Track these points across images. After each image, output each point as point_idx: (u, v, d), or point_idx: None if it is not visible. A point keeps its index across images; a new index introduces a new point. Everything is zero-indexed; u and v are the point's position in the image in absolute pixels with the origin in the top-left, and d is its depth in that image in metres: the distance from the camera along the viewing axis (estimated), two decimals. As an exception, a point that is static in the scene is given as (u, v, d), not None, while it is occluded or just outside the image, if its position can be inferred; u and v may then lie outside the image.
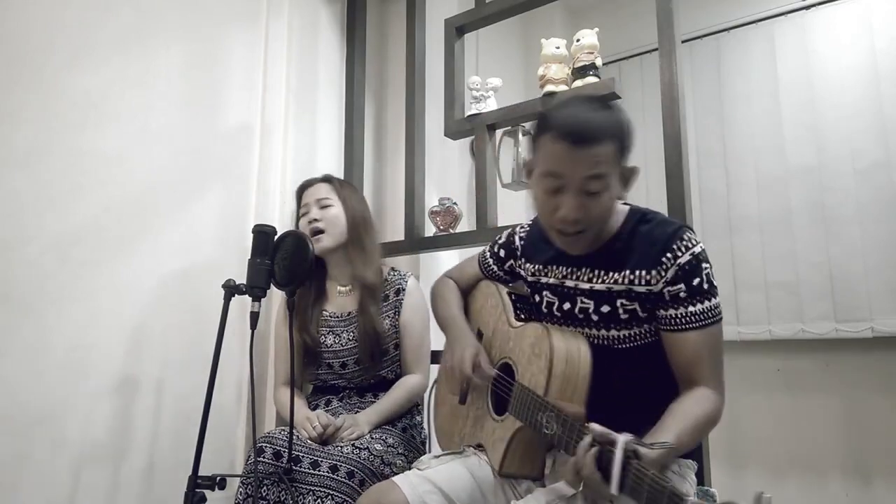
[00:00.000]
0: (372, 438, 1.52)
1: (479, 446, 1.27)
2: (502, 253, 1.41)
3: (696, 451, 1.25)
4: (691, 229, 1.17)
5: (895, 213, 2.50)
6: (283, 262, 1.40)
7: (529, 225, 1.39)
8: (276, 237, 1.43)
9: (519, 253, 1.37)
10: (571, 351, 1.14)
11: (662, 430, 0.98)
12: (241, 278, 1.40)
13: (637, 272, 1.14)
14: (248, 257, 1.41)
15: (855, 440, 2.54)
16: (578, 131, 1.05)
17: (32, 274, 1.43)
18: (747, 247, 2.80)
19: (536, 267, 1.30)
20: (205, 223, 1.82)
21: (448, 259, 2.39)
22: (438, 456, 1.31)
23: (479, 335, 1.41)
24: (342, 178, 2.10)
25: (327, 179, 1.85)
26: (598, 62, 1.76)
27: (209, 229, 1.83)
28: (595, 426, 0.94)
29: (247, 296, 1.39)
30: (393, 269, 1.81)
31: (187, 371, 1.70)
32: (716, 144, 2.94)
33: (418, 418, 1.76)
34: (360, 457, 1.43)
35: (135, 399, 1.60)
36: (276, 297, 1.88)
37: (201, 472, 1.29)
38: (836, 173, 2.63)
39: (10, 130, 1.42)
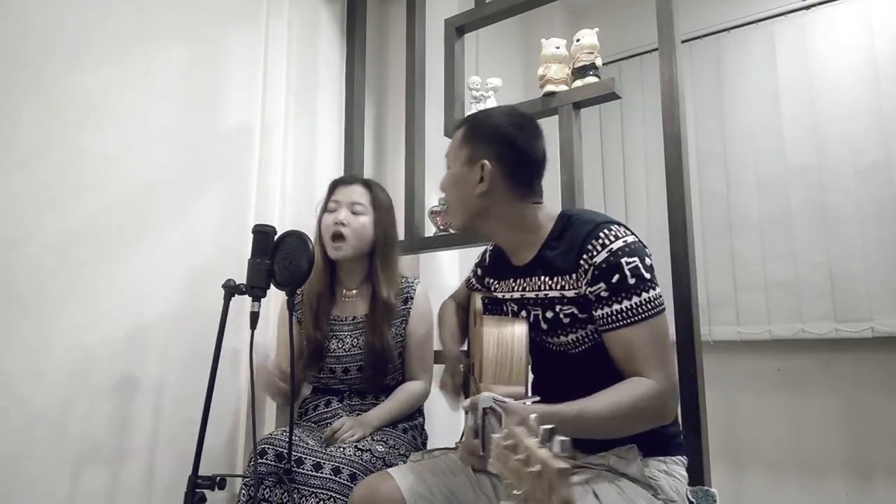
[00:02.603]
0: (374, 440, 1.52)
1: None
2: (479, 272, 1.47)
3: (687, 447, 1.24)
4: (613, 224, 1.15)
5: (895, 213, 2.50)
6: (284, 262, 1.39)
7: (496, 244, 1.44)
8: (276, 237, 1.43)
9: (488, 271, 1.42)
10: (503, 334, 1.15)
11: (569, 402, 0.99)
12: (241, 278, 1.40)
13: (564, 277, 1.16)
14: (248, 257, 1.41)
15: (855, 440, 2.54)
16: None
17: (33, 274, 1.43)
18: (747, 247, 2.80)
19: (499, 282, 1.35)
20: (205, 223, 1.82)
21: (448, 259, 2.39)
22: (431, 451, 1.35)
23: (468, 343, 1.48)
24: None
25: (366, 184, 1.77)
26: (598, 62, 1.76)
27: (209, 229, 1.83)
28: (467, 400, 0.96)
29: (247, 296, 1.39)
30: (401, 276, 1.79)
31: (187, 371, 1.70)
32: (716, 144, 2.94)
33: (420, 420, 1.75)
34: (362, 458, 1.43)
35: (135, 399, 1.60)
36: (277, 296, 1.88)
37: (201, 472, 1.29)
38: (836, 173, 2.63)
39: (10, 130, 1.42)
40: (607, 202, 3.18)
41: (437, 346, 1.75)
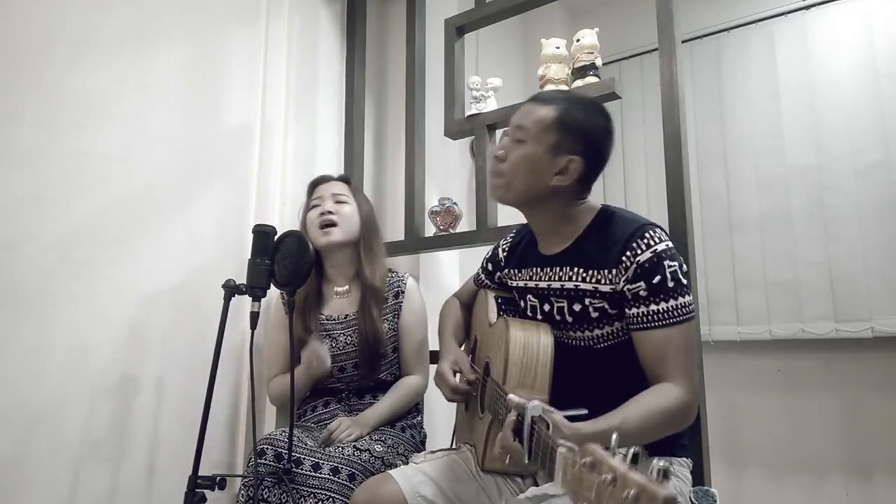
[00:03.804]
0: (372, 440, 1.52)
1: (474, 446, 1.28)
2: (490, 267, 1.47)
3: (690, 449, 1.25)
4: (657, 227, 1.16)
5: (895, 213, 2.50)
6: (283, 262, 1.40)
7: (512, 235, 1.43)
8: (275, 237, 1.43)
9: (503, 263, 1.41)
10: (530, 339, 1.15)
11: (609, 415, 0.98)
12: (241, 278, 1.40)
13: (602, 271, 1.15)
14: (248, 257, 1.41)
15: (855, 440, 2.54)
16: (536, 94, 1.25)
17: (33, 274, 1.43)
18: (747, 247, 2.81)
19: (518, 272, 1.33)
20: (205, 223, 1.82)
21: (448, 259, 2.39)
22: (433, 451, 1.34)
23: (476, 341, 1.46)
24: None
25: (344, 179, 1.85)
26: (598, 62, 1.76)
27: (209, 229, 1.83)
28: (512, 397, 0.96)
29: (247, 296, 1.39)
30: (391, 270, 1.80)
31: (187, 371, 1.70)
32: (716, 144, 2.94)
33: (418, 418, 1.75)
34: (361, 458, 1.43)
35: (135, 399, 1.60)
36: (272, 296, 1.88)
37: (201, 472, 1.29)
38: (836, 173, 2.63)
39: (10, 130, 1.42)
40: (607, 202, 3.17)
41: (433, 345, 1.75)
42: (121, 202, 1.61)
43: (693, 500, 1.21)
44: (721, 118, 2.94)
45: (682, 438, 1.21)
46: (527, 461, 0.89)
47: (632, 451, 0.60)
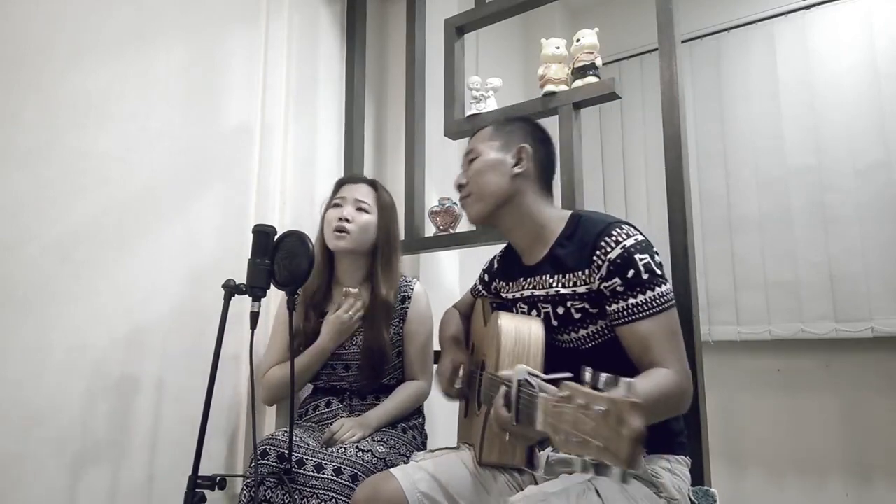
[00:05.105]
0: (374, 441, 1.52)
1: (472, 445, 1.29)
2: (486, 277, 1.51)
3: (688, 447, 1.25)
4: (625, 224, 1.19)
5: (895, 213, 2.50)
6: (284, 262, 1.39)
7: (505, 248, 1.48)
8: (276, 237, 1.43)
9: (497, 275, 1.46)
10: (520, 329, 1.18)
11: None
12: (241, 278, 1.40)
13: (576, 273, 1.19)
14: (248, 257, 1.40)
15: (855, 440, 2.54)
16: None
17: (33, 274, 1.43)
18: (747, 247, 2.81)
19: (507, 284, 1.39)
20: (205, 223, 1.82)
21: (448, 259, 2.39)
22: (433, 450, 1.36)
23: (473, 346, 1.49)
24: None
25: (372, 184, 1.80)
26: (598, 62, 1.76)
27: (209, 229, 1.83)
28: (501, 372, 0.99)
29: (247, 296, 1.39)
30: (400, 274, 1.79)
31: (187, 371, 1.70)
32: (716, 144, 2.94)
33: (420, 420, 1.75)
34: (363, 459, 1.43)
35: (135, 399, 1.60)
36: (275, 296, 1.88)
37: (201, 473, 1.29)
38: (836, 173, 2.63)
39: (10, 131, 1.42)
40: (607, 202, 3.19)
41: (436, 346, 1.75)
42: (120, 202, 1.61)
43: (693, 499, 1.21)
44: (721, 118, 2.95)
45: (680, 436, 1.21)
46: (515, 424, 0.91)
47: (603, 376, 0.63)
